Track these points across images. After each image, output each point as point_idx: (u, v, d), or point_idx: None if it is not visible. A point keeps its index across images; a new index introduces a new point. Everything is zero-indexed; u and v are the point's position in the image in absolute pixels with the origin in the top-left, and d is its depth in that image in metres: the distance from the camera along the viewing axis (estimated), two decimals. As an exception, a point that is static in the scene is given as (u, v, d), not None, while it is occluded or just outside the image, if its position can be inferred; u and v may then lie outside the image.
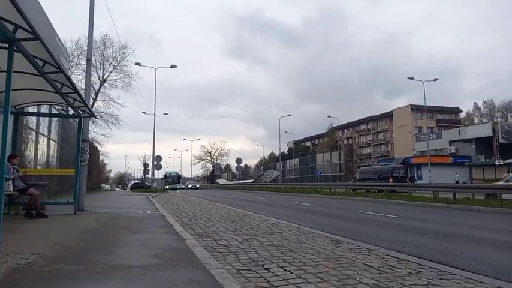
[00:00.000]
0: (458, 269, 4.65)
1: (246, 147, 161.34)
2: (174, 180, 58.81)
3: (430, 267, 4.59)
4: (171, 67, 36.08)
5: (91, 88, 22.99)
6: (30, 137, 11.61)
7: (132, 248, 5.29)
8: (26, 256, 4.40)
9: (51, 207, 10.04)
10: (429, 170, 38.39)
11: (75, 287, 3.38)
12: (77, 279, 3.56)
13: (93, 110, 22.30)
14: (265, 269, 4.34)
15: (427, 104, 43.31)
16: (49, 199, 11.06)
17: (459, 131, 52.92)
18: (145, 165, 45.21)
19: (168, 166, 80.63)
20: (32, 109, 10.76)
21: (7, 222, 6.72)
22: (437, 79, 41.65)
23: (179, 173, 67.84)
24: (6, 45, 4.50)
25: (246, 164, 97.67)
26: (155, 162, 37.70)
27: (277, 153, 72.88)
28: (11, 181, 8.17)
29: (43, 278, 3.57)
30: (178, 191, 47.94)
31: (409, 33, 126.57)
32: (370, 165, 57.12)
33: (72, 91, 7.24)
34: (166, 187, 53.68)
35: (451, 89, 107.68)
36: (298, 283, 3.78)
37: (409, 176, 33.17)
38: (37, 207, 8.65)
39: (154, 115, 39.64)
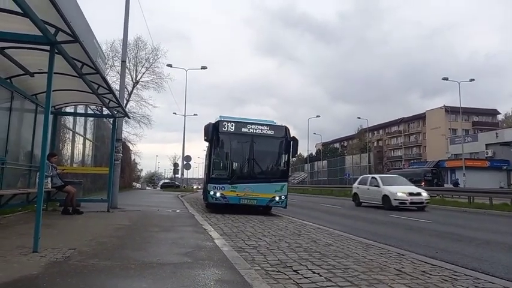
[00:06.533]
0: (495, 277, 4.48)
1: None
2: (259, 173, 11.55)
3: (465, 275, 4.44)
4: (201, 68, 36.44)
5: (125, 89, 23.61)
6: (68, 136, 12.09)
7: (163, 245, 5.40)
8: (63, 251, 4.57)
9: (86, 204, 10.38)
10: (464, 174, 37.03)
11: (110, 281, 3.49)
12: (111, 275, 3.68)
13: (126, 110, 22.91)
14: (294, 271, 4.32)
15: (462, 106, 41.75)
16: (84, 196, 11.43)
17: (496, 133, 50.71)
18: (175, 165, 45.62)
19: (198, 166, 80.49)
20: (69, 109, 11.20)
21: (46, 218, 7.00)
22: (473, 79, 39.82)
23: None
24: (48, 48, 4.69)
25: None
26: (185, 162, 38.27)
27: (305, 155, 72.12)
28: (49, 178, 8.54)
29: (79, 272, 3.70)
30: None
31: (451, 29, 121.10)
32: (401, 168, 55.74)
33: (108, 92, 7.46)
34: (214, 194, 11.16)
35: (492, 89, 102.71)
36: (328, 286, 3.75)
37: (447, 179, 32.16)
38: (73, 204, 8.98)
39: (185, 116, 40.08)
